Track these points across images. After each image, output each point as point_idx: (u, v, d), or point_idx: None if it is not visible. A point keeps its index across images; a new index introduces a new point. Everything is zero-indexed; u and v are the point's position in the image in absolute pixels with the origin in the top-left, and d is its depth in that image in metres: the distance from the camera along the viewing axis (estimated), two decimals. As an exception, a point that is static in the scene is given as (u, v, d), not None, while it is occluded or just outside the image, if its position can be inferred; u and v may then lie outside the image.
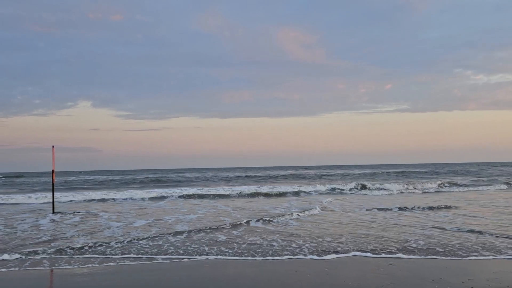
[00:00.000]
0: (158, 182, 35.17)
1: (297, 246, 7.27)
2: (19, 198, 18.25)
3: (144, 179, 37.91)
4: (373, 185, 23.71)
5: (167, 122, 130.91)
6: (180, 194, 19.53)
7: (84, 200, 18.18)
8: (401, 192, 21.13)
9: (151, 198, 18.53)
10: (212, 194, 19.71)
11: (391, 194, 20.32)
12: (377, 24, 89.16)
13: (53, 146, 14.46)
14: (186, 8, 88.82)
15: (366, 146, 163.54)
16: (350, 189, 22.21)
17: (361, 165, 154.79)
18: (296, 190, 21.61)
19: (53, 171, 14.74)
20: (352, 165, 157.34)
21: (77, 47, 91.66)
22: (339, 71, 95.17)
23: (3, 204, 16.90)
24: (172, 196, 19.28)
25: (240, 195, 19.54)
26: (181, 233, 8.71)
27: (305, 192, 21.13)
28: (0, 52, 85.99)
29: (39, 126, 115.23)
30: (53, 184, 15.65)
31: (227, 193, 20.28)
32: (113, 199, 18.45)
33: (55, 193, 15.03)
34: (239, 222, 10.12)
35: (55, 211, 14.18)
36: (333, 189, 22.29)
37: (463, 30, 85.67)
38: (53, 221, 11.54)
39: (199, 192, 20.86)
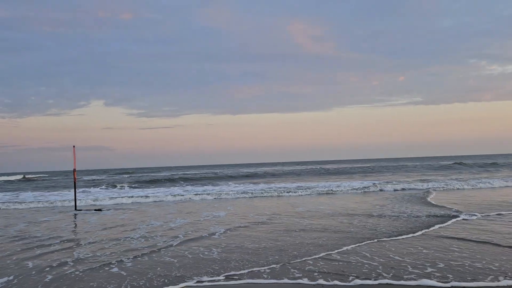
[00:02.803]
0: (253, 177, 35.28)
1: None
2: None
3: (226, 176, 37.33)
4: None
5: (179, 120, 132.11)
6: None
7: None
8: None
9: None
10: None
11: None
12: (388, 14, 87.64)
13: (73, 146, 15.14)
14: (194, 4, 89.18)
15: (379, 139, 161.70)
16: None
17: (378, 158, 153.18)
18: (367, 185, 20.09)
19: (74, 170, 15.43)
20: (369, 159, 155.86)
21: (87, 46, 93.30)
22: (351, 63, 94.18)
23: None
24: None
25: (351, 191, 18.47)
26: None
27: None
28: (12, 53, 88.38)
29: (52, 126, 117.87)
30: (74, 183, 16.36)
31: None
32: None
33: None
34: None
35: (77, 208, 14.88)
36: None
37: (477, 18, 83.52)
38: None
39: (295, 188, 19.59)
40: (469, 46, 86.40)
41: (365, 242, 6.88)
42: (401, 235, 7.46)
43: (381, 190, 18.65)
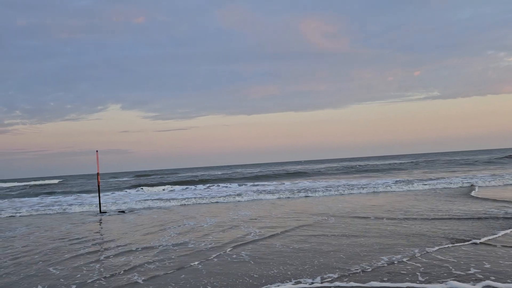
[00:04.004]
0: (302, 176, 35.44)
1: None
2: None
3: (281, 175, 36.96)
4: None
5: (195, 121, 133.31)
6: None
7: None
8: None
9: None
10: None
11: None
12: (401, 8, 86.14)
13: (96, 151, 15.26)
14: (206, 5, 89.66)
15: (395, 135, 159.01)
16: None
17: (397, 155, 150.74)
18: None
19: (98, 174, 15.57)
20: (387, 155, 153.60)
21: (103, 51, 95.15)
22: (365, 59, 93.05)
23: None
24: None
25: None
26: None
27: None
28: (31, 60, 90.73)
29: (71, 130, 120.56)
30: (98, 186, 16.50)
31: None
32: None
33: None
34: None
35: (102, 210, 14.98)
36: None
37: (495, 8, 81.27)
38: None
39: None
40: (486, 38, 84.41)
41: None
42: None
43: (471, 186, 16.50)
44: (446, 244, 6.27)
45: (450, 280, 4.51)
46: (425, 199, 12.92)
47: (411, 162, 52.19)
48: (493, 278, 4.49)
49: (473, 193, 13.72)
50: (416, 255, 5.67)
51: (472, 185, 16.80)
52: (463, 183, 17.70)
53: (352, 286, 4.51)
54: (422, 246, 6.19)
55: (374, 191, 16.81)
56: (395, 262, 5.40)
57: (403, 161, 57.26)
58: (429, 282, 4.48)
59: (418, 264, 5.20)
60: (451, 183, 17.80)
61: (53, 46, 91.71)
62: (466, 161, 44.28)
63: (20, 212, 15.80)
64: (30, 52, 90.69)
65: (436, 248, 6.04)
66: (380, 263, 5.38)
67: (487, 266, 4.98)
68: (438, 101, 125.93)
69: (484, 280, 4.43)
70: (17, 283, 5.45)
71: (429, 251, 5.88)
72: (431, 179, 21.06)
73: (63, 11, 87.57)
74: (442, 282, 4.46)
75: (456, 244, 6.22)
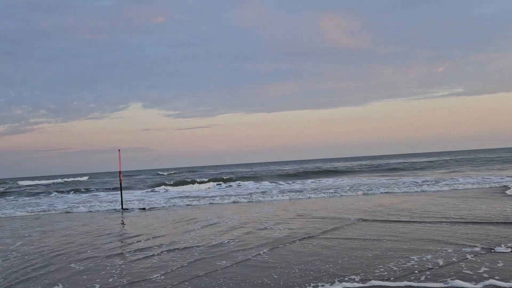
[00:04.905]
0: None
1: None
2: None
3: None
4: None
5: (215, 119, 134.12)
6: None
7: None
8: None
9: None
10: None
11: None
12: (423, 3, 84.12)
13: (119, 150, 15.63)
14: (225, 4, 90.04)
15: (418, 133, 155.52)
16: None
17: (418, 153, 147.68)
18: None
19: (120, 172, 15.95)
20: (409, 153, 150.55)
21: (124, 51, 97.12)
22: (386, 56, 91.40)
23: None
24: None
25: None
26: None
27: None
28: (56, 61, 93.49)
29: (94, 129, 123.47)
30: (120, 184, 16.92)
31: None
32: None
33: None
34: None
35: (124, 207, 15.34)
36: None
37: (523, 3, 78.19)
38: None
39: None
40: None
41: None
42: None
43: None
44: None
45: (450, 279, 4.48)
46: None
47: (442, 160, 51.03)
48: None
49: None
50: None
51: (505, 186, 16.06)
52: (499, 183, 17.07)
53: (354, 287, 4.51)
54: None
55: (405, 191, 16.57)
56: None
57: (429, 159, 56.03)
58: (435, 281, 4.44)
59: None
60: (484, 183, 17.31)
61: (76, 47, 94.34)
62: (492, 159, 42.98)
63: (54, 208, 16.38)
64: (54, 53, 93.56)
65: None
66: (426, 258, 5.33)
67: None
68: (462, 98, 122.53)
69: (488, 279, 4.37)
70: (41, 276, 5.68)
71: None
72: (470, 177, 20.51)
73: (86, 12, 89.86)
74: (444, 281, 4.42)
75: None
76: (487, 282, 4.40)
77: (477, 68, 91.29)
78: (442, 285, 4.41)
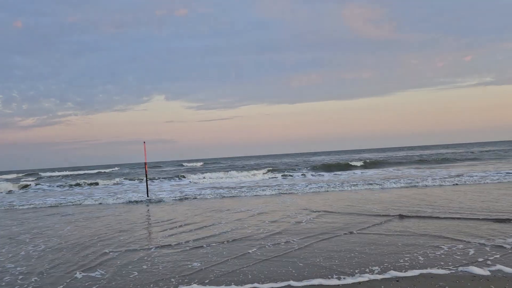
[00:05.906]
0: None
1: None
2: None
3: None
4: None
5: (237, 111, 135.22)
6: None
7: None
8: None
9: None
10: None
11: None
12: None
13: (144, 142, 16.76)
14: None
15: (445, 124, 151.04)
16: None
17: (448, 144, 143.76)
18: None
19: (145, 163, 17.12)
20: (437, 145, 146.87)
21: (147, 44, 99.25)
22: (412, 45, 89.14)
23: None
24: None
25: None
26: None
27: None
28: (82, 55, 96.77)
29: (119, 121, 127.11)
30: (146, 175, 18.15)
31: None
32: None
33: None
34: None
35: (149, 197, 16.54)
36: None
37: None
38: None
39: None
40: (547, 18, 77.31)
41: None
42: None
43: None
44: None
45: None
46: None
47: (470, 152, 50.08)
48: None
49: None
50: None
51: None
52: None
53: (350, 282, 5.24)
54: None
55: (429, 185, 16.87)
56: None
57: (454, 151, 54.96)
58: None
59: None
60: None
61: (101, 41, 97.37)
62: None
63: (86, 200, 17.83)
64: (80, 47, 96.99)
65: None
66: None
67: None
68: (491, 87, 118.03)
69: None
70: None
71: None
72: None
73: (110, 6, 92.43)
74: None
75: None
76: None
77: (508, 56, 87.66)
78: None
